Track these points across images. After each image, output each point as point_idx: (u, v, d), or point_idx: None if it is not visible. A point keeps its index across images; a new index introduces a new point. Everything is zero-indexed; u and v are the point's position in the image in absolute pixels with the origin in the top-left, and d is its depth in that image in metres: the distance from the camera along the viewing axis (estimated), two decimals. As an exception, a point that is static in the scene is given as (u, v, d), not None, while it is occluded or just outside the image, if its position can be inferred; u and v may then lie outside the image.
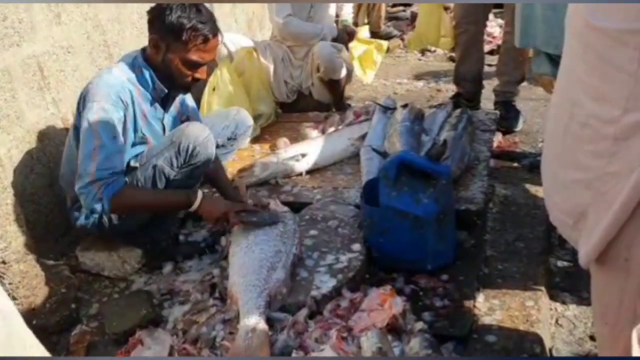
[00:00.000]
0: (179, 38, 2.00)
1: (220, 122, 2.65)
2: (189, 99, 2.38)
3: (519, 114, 3.32)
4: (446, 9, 4.68)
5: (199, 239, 2.36)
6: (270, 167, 2.62)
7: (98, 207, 1.97)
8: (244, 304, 1.75)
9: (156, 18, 2.02)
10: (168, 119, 2.26)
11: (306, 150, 2.74)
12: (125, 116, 2.03)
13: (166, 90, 2.16)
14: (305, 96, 3.60)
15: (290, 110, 3.55)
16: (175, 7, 1.99)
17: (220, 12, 3.84)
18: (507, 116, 3.26)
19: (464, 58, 3.41)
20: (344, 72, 3.44)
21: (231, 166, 2.79)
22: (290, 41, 3.50)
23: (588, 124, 1.14)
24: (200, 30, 2.00)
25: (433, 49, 4.78)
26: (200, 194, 2.09)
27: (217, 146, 2.54)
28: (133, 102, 2.07)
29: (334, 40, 3.46)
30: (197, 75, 2.10)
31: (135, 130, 2.12)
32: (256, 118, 3.24)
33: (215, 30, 2.05)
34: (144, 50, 2.13)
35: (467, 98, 3.45)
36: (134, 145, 2.14)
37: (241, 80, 3.18)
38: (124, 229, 2.20)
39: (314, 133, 3.04)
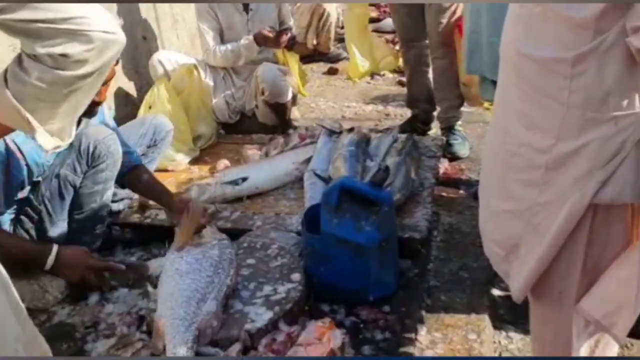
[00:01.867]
0: None
1: (136, 130, 2.60)
2: (108, 119, 2.34)
3: (466, 140, 3.41)
4: (375, 30, 4.78)
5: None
6: (208, 191, 2.59)
7: None
8: (171, 338, 1.69)
9: None
10: None
11: (247, 173, 2.71)
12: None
13: None
14: (248, 117, 3.59)
15: (233, 132, 3.54)
16: None
17: (161, 27, 3.80)
18: (453, 142, 3.34)
19: (414, 77, 3.49)
20: (289, 96, 3.46)
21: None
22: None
23: (519, 153, 1.17)
24: None
25: (382, 72, 4.86)
26: (54, 249, 1.97)
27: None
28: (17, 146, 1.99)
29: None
30: (96, 98, 2.02)
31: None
32: (196, 139, 3.21)
33: None
34: None
35: (423, 120, 3.53)
36: None
37: (179, 99, 3.15)
38: None
39: (257, 156, 3.02)
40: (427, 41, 3.40)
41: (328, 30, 5.18)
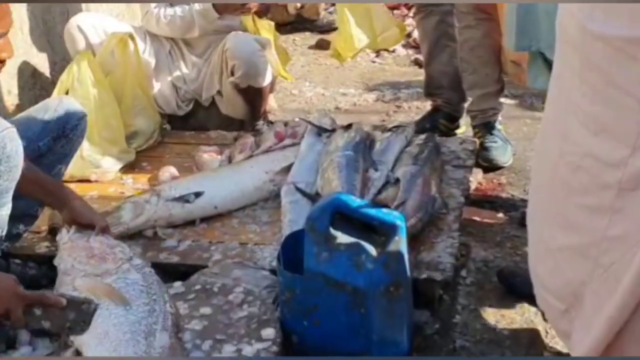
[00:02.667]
0: None
1: (38, 118, 2.56)
2: None
3: (507, 142, 3.44)
4: None
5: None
6: (146, 211, 2.59)
7: None
8: None
9: None
10: None
11: (203, 186, 2.72)
12: None
13: None
14: (205, 108, 3.62)
15: (183, 127, 3.55)
16: None
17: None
18: (490, 145, 3.37)
19: (434, 54, 3.54)
20: (268, 78, 3.49)
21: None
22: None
23: (583, 166, 1.17)
24: None
25: (392, 48, 4.87)
26: None
27: (41, 154, 2.49)
28: None
29: None
30: None
31: None
32: (130, 137, 3.23)
33: None
34: None
35: (448, 114, 3.58)
36: None
37: (108, 82, 3.15)
38: None
39: (216, 162, 3.04)
40: (452, 5, 3.44)
41: None
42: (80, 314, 2.01)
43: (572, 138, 1.19)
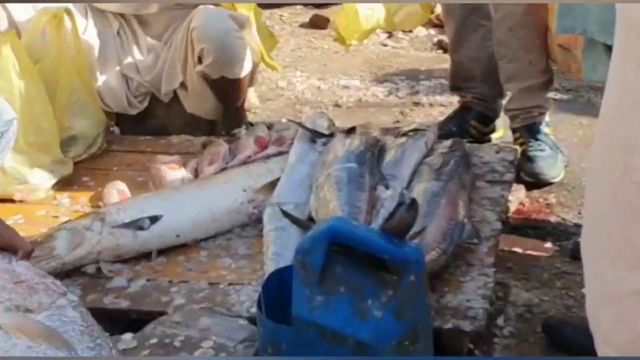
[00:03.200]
0: None
1: None
2: None
3: (558, 151, 3.45)
4: None
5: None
6: (87, 241, 2.59)
7: None
8: None
9: None
10: None
11: (161, 209, 2.73)
12: None
13: None
14: (165, 105, 3.64)
15: (136, 131, 3.57)
16: None
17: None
18: (535, 155, 3.38)
19: (463, 36, 3.58)
20: (247, 67, 3.51)
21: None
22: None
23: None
24: None
25: (410, 29, 4.90)
26: None
27: None
28: None
29: None
30: None
31: None
32: (68, 143, 3.24)
33: None
34: None
35: (480, 113, 3.60)
36: None
37: (39, 71, 3.17)
38: None
39: (178, 174, 3.05)
40: None
41: None
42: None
43: (638, 149, 1.21)
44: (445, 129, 3.45)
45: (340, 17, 4.71)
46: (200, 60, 3.44)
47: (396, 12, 4.74)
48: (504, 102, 3.59)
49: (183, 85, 3.57)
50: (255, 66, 3.65)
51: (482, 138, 3.55)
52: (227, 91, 3.55)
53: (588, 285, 1.37)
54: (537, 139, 3.41)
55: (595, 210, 1.34)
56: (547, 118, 3.49)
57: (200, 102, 3.59)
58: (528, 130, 3.44)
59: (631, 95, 1.22)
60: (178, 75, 3.56)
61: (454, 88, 3.76)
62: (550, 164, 3.40)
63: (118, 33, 3.54)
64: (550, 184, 3.38)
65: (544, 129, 3.46)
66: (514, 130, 3.52)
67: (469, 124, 3.58)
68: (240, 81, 3.53)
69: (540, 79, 3.43)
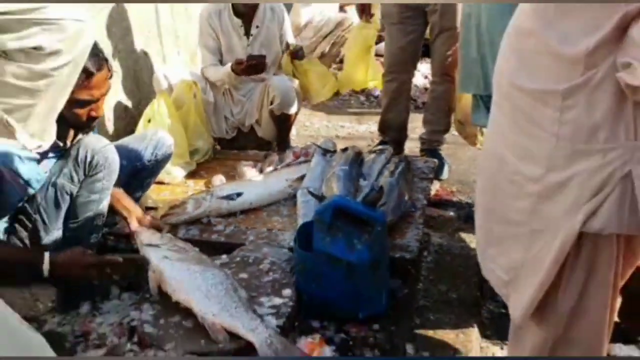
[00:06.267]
0: None
1: (137, 144, 2.57)
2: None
3: (444, 162, 3.42)
4: (376, 54, 4.85)
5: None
6: (203, 205, 2.58)
7: None
8: (242, 326, 1.78)
9: None
10: None
11: (242, 189, 2.71)
12: None
13: (61, 144, 2.09)
14: (244, 134, 3.60)
15: (229, 147, 3.54)
16: None
17: (163, 43, 3.83)
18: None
19: (391, 106, 3.49)
20: (296, 108, 3.49)
21: (163, 201, 2.74)
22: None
23: (514, 180, 1.19)
24: None
25: (377, 92, 4.89)
26: (46, 256, 1.94)
27: (137, 171, 2.51)
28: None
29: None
30: (93, 113, 2.02)
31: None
32: (192, 153, 3.22)
33: (100, 64, 1.95)
34: None
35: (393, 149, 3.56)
36: None
37: (179, 114, 3.15)
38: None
39: (252, 172, 3.03)
40: (415, 71, 3.42)
41: (341, 45, 5.18)
42: (137, 268, 2.04)
43: (505, 160, 1.21)
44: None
45: (340, 78, 4.82)
46: (271, 102, 3.42)
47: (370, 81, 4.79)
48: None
49: (257, 121, 3.54)
50: (298, 110, 3.62)
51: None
52: (284, 122, 3.51)
53: (481, 235, 1.36)
54: (433, 156, 3.37)
55: (485, 192, 1.34)
56: (442, 147, 3.53)
57: (267, 130, 3.56)
58: (429, 151, 3.45)
59: (500, 130, 1.23)
60: (254, 115, 3.53)
61: (380, 131, 3.67)
62: (440, 169, 3.35)
63: (223, 94, 3.52)
64: (440, 179, 3.36)
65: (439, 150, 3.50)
66: (421, 150, 3.51)
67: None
68: (291, 116, 3.51)
69: (442, 127, 3.46)
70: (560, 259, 1.13)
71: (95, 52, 1.94)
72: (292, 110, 3.45)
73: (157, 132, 2.65)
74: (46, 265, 1.92)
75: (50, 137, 1.02)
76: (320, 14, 5.05)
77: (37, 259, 1.94)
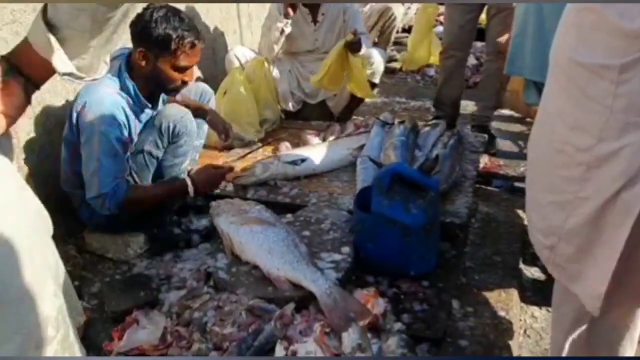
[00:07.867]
0: (168, 47, 2.05)
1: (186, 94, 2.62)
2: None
3: (494, 138, 3.36)
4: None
5: (200, 227, 2.37)
6: (270, 169, 2.62)
7: (107, 212, 2.08)
8: (304, 278, 1.81)
9: (141, 32, 2.04)
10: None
11: (306, 155, 2.74)
12: (121, 132, 2.07)
13: (149, 105, 2.21)
14: (309, 106, 3.60)
15: (294, 118, 3.56)
16: (160, 20, 2.02)
17: (241, 23, 3.87)
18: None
19: (447, 83, 3.42)
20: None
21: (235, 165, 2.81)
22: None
23: (564, 150, 1.16)
24: (186, 38, 2.06)
25: (431, 72, 4.79)
26: (189, 181, 2.21)
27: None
28: (127, 117, 2.11)
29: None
30: (186, 78, 2.15)
31: (132, 137, 2.17)
32: (262, 122, 3.26)
33: (199, 36, 2.11)
34: (127, 59, 2.15)
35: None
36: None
37: (251, 87, 3.18)
38: (129, 219, 2.25)
39: (315, 140, 3.04)
40: (470, 51, 3.32)
41: (390, 32, 5.10)
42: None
43: (557, 132, 1.18)
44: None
45: (405, 57, 4.86)
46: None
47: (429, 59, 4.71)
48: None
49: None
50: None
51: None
52: (354, 100, 3.52)
53: (528, 200, 1.33)
54: (483, 131, 3.29)
55: (533, 163, 1.31)
56: (492, 123, 3.45)
57: (339, 104, 3.57)
58: (479, 127, 3.35)
59: (555, 104, 1.19)
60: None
61: (435, 106, 3.60)
62: (490, 144, 3.31)
63: (289, 71, 3.51)
64: (490, 153, 3.31)
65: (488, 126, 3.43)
66: (472, 126, 3.39)
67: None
68: (359, 98, 3.51)
69: (491, 103, 3.37)
70: (628, 224, 1.08)
71: (194, 26, 2.11)
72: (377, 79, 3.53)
73: (199, 85, 2.68)
74: (191, 187, 2.19)
75: (96, 74, 0.99)
76: (368, 6, 4.97)
77: (183, 185, 2.21)
